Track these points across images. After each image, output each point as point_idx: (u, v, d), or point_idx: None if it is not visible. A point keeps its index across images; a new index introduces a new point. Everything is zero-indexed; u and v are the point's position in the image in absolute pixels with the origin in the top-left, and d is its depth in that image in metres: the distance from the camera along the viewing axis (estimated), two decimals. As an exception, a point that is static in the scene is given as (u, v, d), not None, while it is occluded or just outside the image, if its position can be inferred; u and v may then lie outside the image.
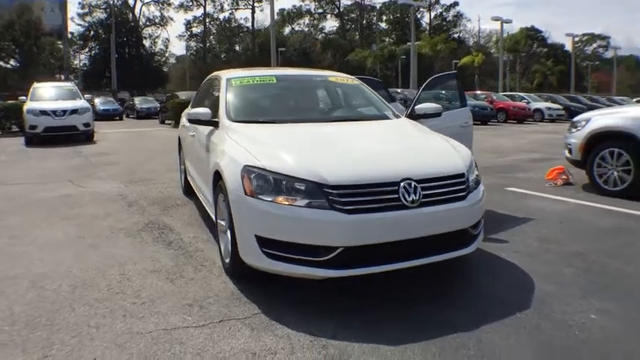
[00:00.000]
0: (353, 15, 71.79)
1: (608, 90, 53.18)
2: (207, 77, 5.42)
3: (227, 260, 3.29)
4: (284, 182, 2.81)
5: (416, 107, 4.49)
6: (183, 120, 5.68)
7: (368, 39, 67.71)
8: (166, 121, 21.41)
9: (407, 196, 2.80)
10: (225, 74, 4.49)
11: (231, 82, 4.26)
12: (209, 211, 4.08)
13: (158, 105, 26.05)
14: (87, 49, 55.49)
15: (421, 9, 60.43)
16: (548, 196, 5.77)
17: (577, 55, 59.97)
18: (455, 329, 2.57)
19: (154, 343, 2.45)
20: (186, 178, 5.78)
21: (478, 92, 26.31)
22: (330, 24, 75.96)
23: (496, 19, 34.99)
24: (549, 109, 24.36)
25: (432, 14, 67.29)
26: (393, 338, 2.47)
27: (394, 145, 3.49)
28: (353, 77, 4.94)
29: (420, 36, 49.26)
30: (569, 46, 53.35)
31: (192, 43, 64.97)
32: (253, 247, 2.86)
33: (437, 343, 2.44)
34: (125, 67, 47.34)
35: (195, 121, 3.98)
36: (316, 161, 2.92)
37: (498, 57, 51.69)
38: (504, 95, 26.36)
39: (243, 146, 3.24)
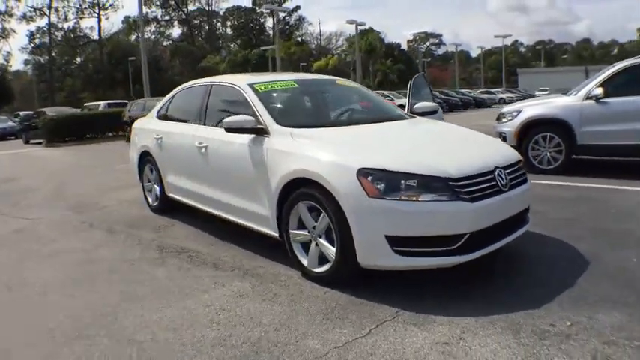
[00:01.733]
0: (197, 21, 70.13)
1: (444, 84, 60.94)
2: (194, 85, 5.07)
3: (321, 269, 3.22)
4: (404, 180, 2.87)
5: (415, 106, 4.86)
6: (158, 132, 5.16)
7: (214, 45, 66.96)
8: (31, 141, 19.14)
9: (501, 181, 3.13)
10: (239, 81, 4.23)
11: (256, 88, 4.05)
12: (252, 226, 3.85)
13: (15, 124, 23.44)
14: None
15: (264, 13, 61.99)
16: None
17: (412, 52, 67.86)
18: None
19: None
20: (163, 195, 5.25)
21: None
22: (177, 31, 72.99)
23: (351, 22, 37.43)
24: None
25: (276, 18, 69.56)
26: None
27: (461, 140, 3.77)
28: (345, 79, 5.12)
29: (268, 40, 50.61)
30: (405, 45, 60.04)
31: (33, 57, 58.04)
32: (382, 248, 2.86)
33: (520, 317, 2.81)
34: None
35: (236, 130, 3.70)
36: (427, 158, 3.07)
37: (347, 59, 55.85)
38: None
39: (330, 150, 3.21)
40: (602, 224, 4.26)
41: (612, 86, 6.07)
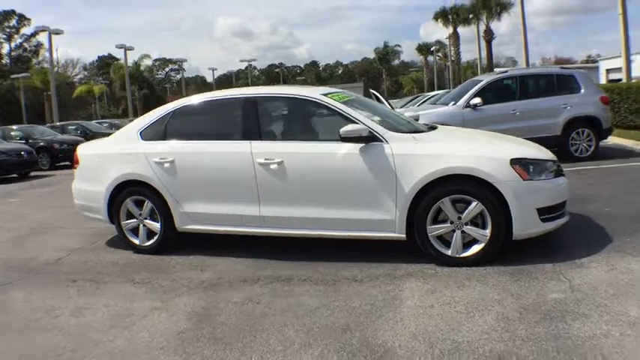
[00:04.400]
0: None
1: None
2: (213, 99, 4.63)
3: (467, 253, 3.66)
4: (539, 165, 3.65)
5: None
6: (162, 154, 4.40)
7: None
8: None
9: (560, 167, 4.21)
10: (312, 92, 4.17)
11: (334, 98, 4.10)
12: (361, 235, 3.94)
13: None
14: None
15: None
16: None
17: (152, 78, 66.23)
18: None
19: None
20: (170, 230, 4.48)
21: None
22: None
23: (120, 46, 35.23)
24: None
25: (13, 44, 58.60)
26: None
27: (500, 137, 4.60)
28: None
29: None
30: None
31: None
32: (534, 219, 3.56)
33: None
34: None
35: (351, 139, 3.73)
36: (532, 147, 3.90)
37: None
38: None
39: (471, 148, 3.80)
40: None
41: (482, 97, 8.14)
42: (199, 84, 76.08)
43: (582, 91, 8.00)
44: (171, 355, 2.74)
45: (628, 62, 11.09)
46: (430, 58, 55.01)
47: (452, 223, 3.69)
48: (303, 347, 2.73)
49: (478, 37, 34.69)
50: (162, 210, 4.50)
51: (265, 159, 4.05)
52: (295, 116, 4.31)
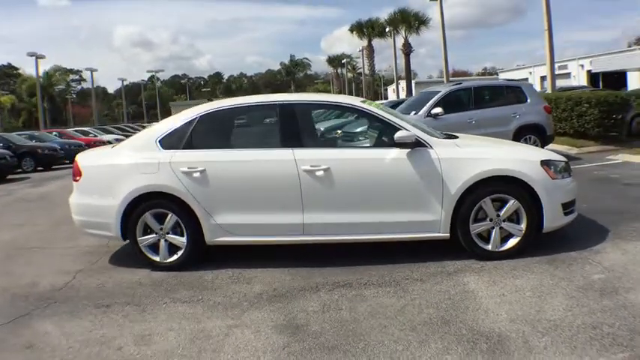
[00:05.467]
0: None
1: (89, 121, 57.16)
2: (246, 104, 4.57)
3: (506, 247, 4.07)
4: (559, 165, 4.18)
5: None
6: (191, 163, 4.18)
7: None
8: None
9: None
10: (352, 100, 4.30)
11: (373, 106, 4.26)
12: (405, 237, 4.13)
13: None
14: None
15: None
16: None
17: (52, 88, 60.16)
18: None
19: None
20: (199, 244, 4.26)
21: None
22: None
23: (32, 54, 32.81)
24: (117, 139, 25.46)
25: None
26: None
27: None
28: None
29: None
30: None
31: None
32: (559, 213, 4.09)
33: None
34: None
35: (403, 144, 3.95)
36: (549, 151, 4.44)
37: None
38: (76, 131, 25.25)
39: (506, 151, 4.29)
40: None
41: (441, 106, 8.82)
42: (100, 94, 70.86)
43: (528, 100, 9.12)
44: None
45: (552, 75, 12.79)
46: (341, 70, 57.27)
47: (491, 220, 4.07)
48: (422, 343, 2.86)
49: (395, 49, 36.70)
50: (190, 223, 4.25)
51: (311, 166, 4.07)
52: (340, 124, 4.39)
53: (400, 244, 4.30)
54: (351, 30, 43.49)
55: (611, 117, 10.53)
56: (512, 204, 4.03)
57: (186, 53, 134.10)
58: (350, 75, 56.97)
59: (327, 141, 4.42)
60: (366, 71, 46.64)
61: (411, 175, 4.04)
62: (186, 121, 4.41)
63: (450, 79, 24.15)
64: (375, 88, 44.74)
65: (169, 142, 4.36)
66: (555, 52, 12.97)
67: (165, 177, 4.23)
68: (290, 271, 4.16)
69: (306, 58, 77.73)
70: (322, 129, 5.64)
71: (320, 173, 4.07)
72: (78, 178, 4.52)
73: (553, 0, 12.80)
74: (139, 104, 69.47)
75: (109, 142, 23.96)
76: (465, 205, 4.02)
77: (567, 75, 33.28)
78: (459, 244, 4.12)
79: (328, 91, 61.19)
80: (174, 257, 4.35)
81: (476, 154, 4.13)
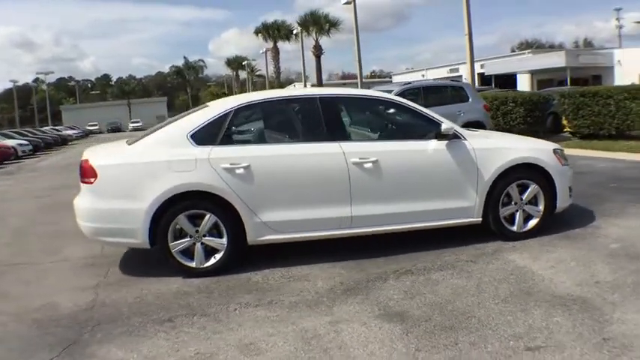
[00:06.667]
0: None
1: None
2: (285, 97, 4.45)
3: (527, 228, 4.49)
4: (563, 153, 4.75)
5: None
6: (233, 159, 3.92)
7: None
8: None
9: None
10: (391, 95, 4.33)
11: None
12: (443, 223, 4.34)
13: None
14: None
15: None
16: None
17: None
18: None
19: None
20: (240, 244, 4.00)
21: None
22: None
23: None
24: (21, 145, 23.16)
25: None
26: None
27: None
28: None
29: None
30: None
31: None
32: (567, 195, 4.65)
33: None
34: None
35: (448, 136, 4.16)
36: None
37: None
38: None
39: (523, 141, 4.79)
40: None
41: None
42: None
43: (470, 100, 10.00)
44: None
45: (473, 76, 14.13)
46: (236, 72, 56.44)
47: (515, 204, 4.49)
48: (525, 311, 3.10)
49: (303, 52, 36.94)
50: (231, 222, 3.97)
51: (360, 158, 4.08)
52: (378, 117, 4.43)
53: (422, 233, 4.47)
54: (257, 32, 43.82)
55: (534, 115, 12.00)
56: (532, 188, 4.49)
57: (69, 54, 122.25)
58: (248, 77, 56.40)
59: (371, 134, 4.47)
60: (272, 73, 46.67)
61: (451, 165, 4.28)
62: (219, 114, 4.10)
63: (341, 81, 25.14)
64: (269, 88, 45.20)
65: (203, 136, 4.01)
66: (439, 56, 14.44)
67: (203, 174, 3.90)
68: (339, 265, 4.11)
69: (201, 60, 75.59)
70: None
71: (368, 165, 4.11)
72: (92, 180, 3.92)
73: (435, 8, 14.27)
74: (24, 108, 61.89)
75: (14, 148, 21.02)
76: (496, 190, 4.38)
77: (460, 77, 36.21)
78: (473, 228, 4.43)
79: (224, 94, 60.26)
80: (212, 261, 4.01)
81: (503, 144, 4.53)
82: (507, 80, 31.25)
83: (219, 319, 3.24)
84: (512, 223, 4.50)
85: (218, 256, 4.01)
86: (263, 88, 49.50)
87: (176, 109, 73.30)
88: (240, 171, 3.94)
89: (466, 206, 4.35)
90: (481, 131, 5.07)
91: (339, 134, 4.19)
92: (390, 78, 41.54)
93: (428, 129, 4.34)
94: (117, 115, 61.44)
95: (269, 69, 46.22)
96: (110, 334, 3.11)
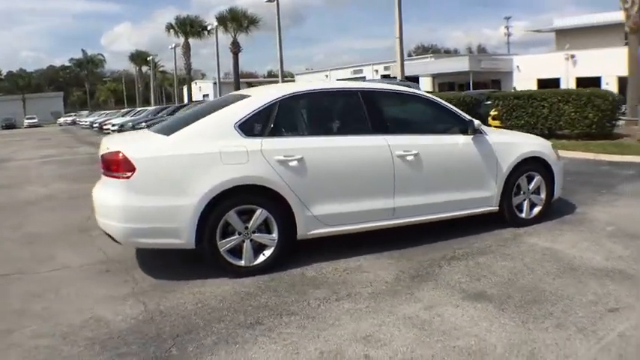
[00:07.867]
0: None
1: None
2: (329, 90, 4.43)
3: (532, 215, 4.93)
4: (556, 149, 5.32)
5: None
6: (287, 151, 3.77)
7: None
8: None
9: None
10: (422, 91, 4.46)
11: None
12: (466, 213, 4.58)
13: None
14: None
15: None
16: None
17: None
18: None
19: None
20: (290, 240, 3.86)
21: None
22: None
23: None
24: None
25: None
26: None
27: None
28: None
29: None
30: None
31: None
32: (561, 185, 5.20)
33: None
34: None
35: (475, 131, 4.46)
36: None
37: None
38: None
39: (526, 137, 5.16)
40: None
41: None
42: None
43: None
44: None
45: (403, 77, 14.98)
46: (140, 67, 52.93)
47: (524, 193, 4.92)
48: (582, 283, 3.45)
49: (217, 48, 35.42)
50: (282, 217, 3.79)
51: (404, 151, 4.18)
52: (414, 112, 4.54)
53: (434, 224, 4.57)
54: (168, 28, 41.88)
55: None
56: (537, 179, 4.95)
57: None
58: (152, 72, 52.99)
59: (409, 127, 4.56)
60: (183, 69, 44.51)
61: (477, 158, 4.57)
62: (264, 104, 3.89)
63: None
64: (177, 87, 43.45)
65: (251, 127, 3.80)
66: (332, 58, 15.36)
67: (257, 167, 3.68)
68: (384, 256, 4.13)
69: (101, 54, 69.69)
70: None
71: (410, 158, 4.22)
72: (127, 174, 3.46)
73: (326, 11, 15.19)
74: None
75: None
76: (511, 181, 4.77)
77: (363, 78, 37.08)
78: (469, 219, 4.69)
79: (118, 91, 56.57)
80: (262, 259, 3.79)
81: (515, 140, 4.97)
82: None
83: (310, 316, 3.09)
84: (521, 210, 4.92)
85: (268, 252, 3.80)
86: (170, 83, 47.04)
87: (71, 104, 67.02)
88: (294, 163, 3.79)
89: (488, 196, 4.67)
90: (491, 128, 5.49)
91: (382, 127, 4.24)
92: (293, 77, 42.01)
93: (456, 124, 4.59)
94: (10, 110, 56.55)
95: (178, 64, 44.47)
96: (202, 344, 2.78)
